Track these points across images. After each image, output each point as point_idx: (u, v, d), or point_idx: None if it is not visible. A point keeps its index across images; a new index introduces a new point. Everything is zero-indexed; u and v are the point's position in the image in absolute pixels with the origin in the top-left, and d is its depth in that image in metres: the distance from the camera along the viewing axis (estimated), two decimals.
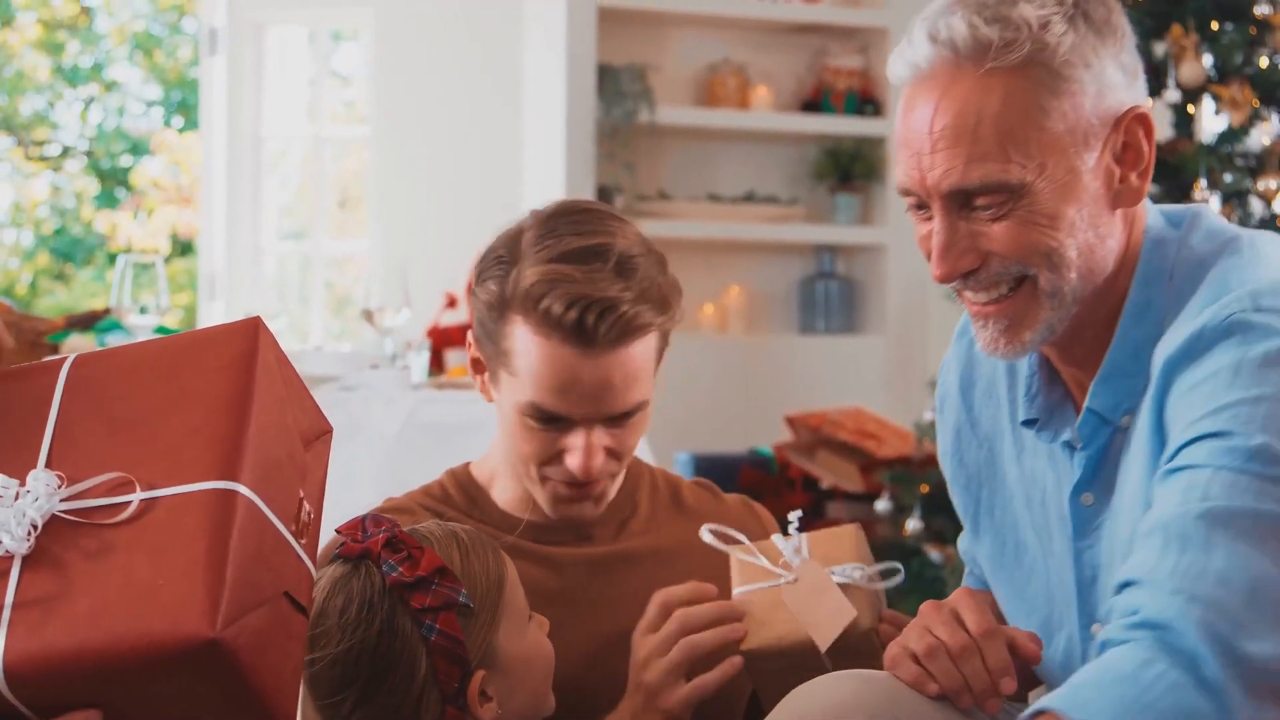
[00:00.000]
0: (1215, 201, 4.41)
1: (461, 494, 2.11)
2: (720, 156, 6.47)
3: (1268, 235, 1.71)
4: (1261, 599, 1.42)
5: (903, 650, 1.63)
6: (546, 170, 6.07)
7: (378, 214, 6.50)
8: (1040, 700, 1.43)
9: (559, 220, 1.98)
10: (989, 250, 1.64)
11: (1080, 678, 1.41)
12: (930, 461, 5.00)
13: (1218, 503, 1.47)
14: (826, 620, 1.77)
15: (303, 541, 1.45)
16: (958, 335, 1.94)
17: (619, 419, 1.97)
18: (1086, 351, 1.72)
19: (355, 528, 1.82)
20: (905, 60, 1.67)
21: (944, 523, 4.75)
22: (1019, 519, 1.85)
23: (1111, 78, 1.66)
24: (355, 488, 3.69)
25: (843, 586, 1.81)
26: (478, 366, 2.06)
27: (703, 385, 6.16)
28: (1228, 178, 4.47)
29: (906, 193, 1.69)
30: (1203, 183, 4.44)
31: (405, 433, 3.79)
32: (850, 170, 6.46)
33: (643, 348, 1.94)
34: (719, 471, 5.43)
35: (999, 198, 1.63)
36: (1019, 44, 1.62)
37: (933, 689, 1.61)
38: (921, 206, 1.69)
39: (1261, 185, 4.45)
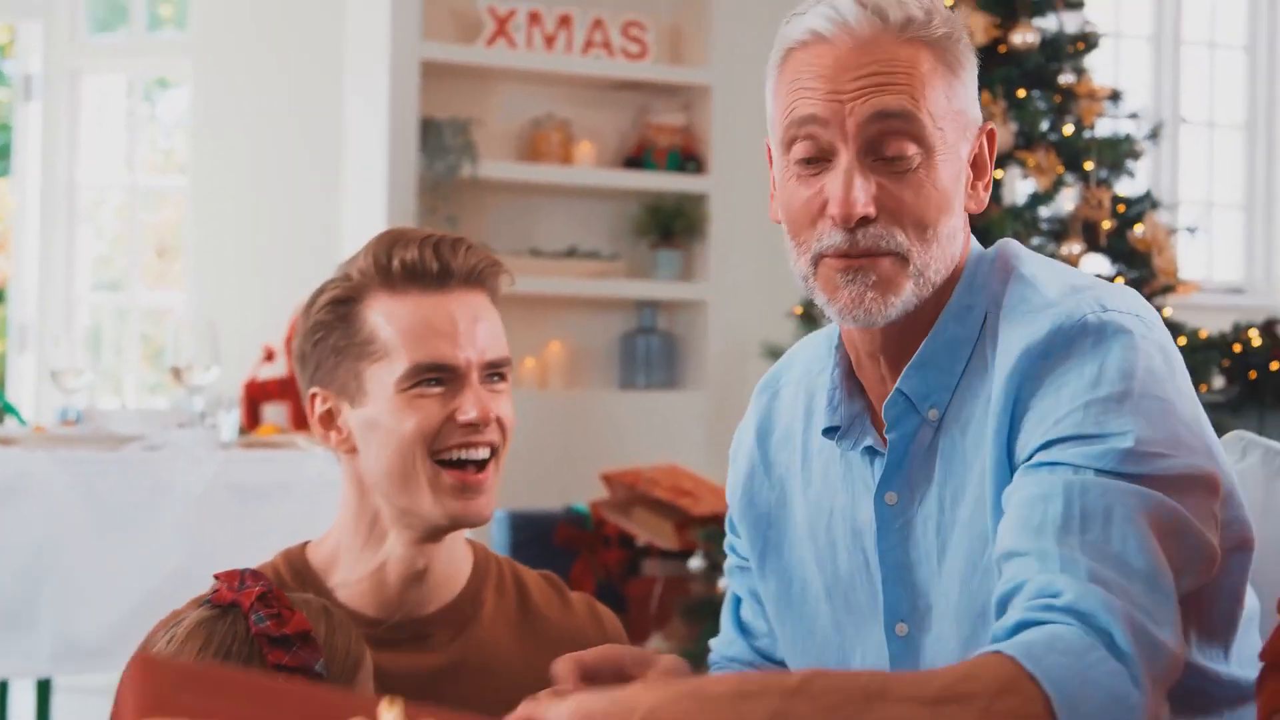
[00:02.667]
0: None
1: (296, 580, 2.03)
2: (543, 211, 6.48)
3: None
4: (1158, 589, 1.48)
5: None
6: (367, 224, 6.03)
7: (194, 266, 6.42)
8: (991, 645, 1.44)
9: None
10: (884, 206, 1.67)
11: (1028, 637, 1.42)
12: None
13: (1098, 496, 1.52)
14: None
15: None
16: (758, 393, 1.99)
17: (496, 372, 1.97)
18: (902, 345, 1.75)
19: (234, 578, 1.84)
20: (822, 17, 1.69)
21: None
22: (804, 556, 1.89)
23: (974, 91, 1.75)
24: (159, 550, 3.62)
25: None
26: (327, 419, 2.00)
27: (522, 441, 6.11)
28: (1034, 241, 4.57)
29: (810, 123, 1.68)
30: None
31: (211, 493, 3.73)
32: (672, 226, 6.50)
33: (491, 303, 1.99)
34: (535, 528, 5.42)
35: (909, 149, 1.67)
36: (937, 24, 1.70)
37: None
38: (814, 160, 1.70)
39: (1065, 249, 4.55)
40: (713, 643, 2.08)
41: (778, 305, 5.76)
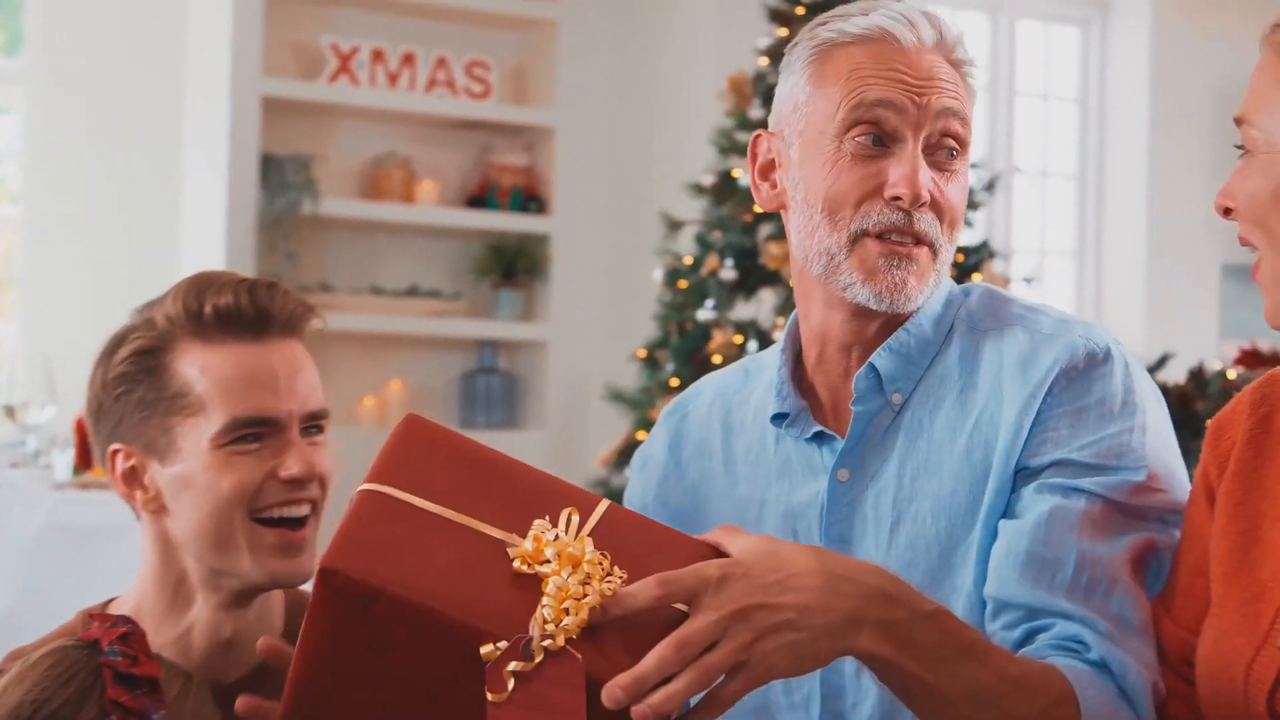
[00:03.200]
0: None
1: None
2: (384, 249, 6.45)
3: None
4: (1150, 637, 1.70)
5: None
6: (205, 260, 5.95)
7: (27, 298, 6.29)
8: (1047, 657, 1.64)
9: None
10: (935, 199, 1.81)
11: (1075, 668, 1.63)
12: None
13: (1108, 540, 1.71)
14: None
15: None
16: (666, 415, 2.07)
17: (315, 424, 1.89)
18: (878, 337, 1.86)
19: (109, 619, 1.78)
20: (888, 17, 1.82)
21: None
22: None
23: None
24: None
25: None
26: (131, 477, 1.90)
27: (360, 481, 6.08)
28: None
29: (875, 121, 1.79)
30: None
31: (45, 535, 3.65)
32: (514, 266, 6.50)
33: (305, 352, 1.91)
34: None
35: (959, 145, 1.83)
36: (968, 53, 1.87)
37: None
38: (877, 142, 1.80)
39: None
40: None
41: (619, 348, 5.79)
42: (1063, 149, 7.74)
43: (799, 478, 1.91)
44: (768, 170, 1.91)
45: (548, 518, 1.50)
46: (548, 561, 1.46)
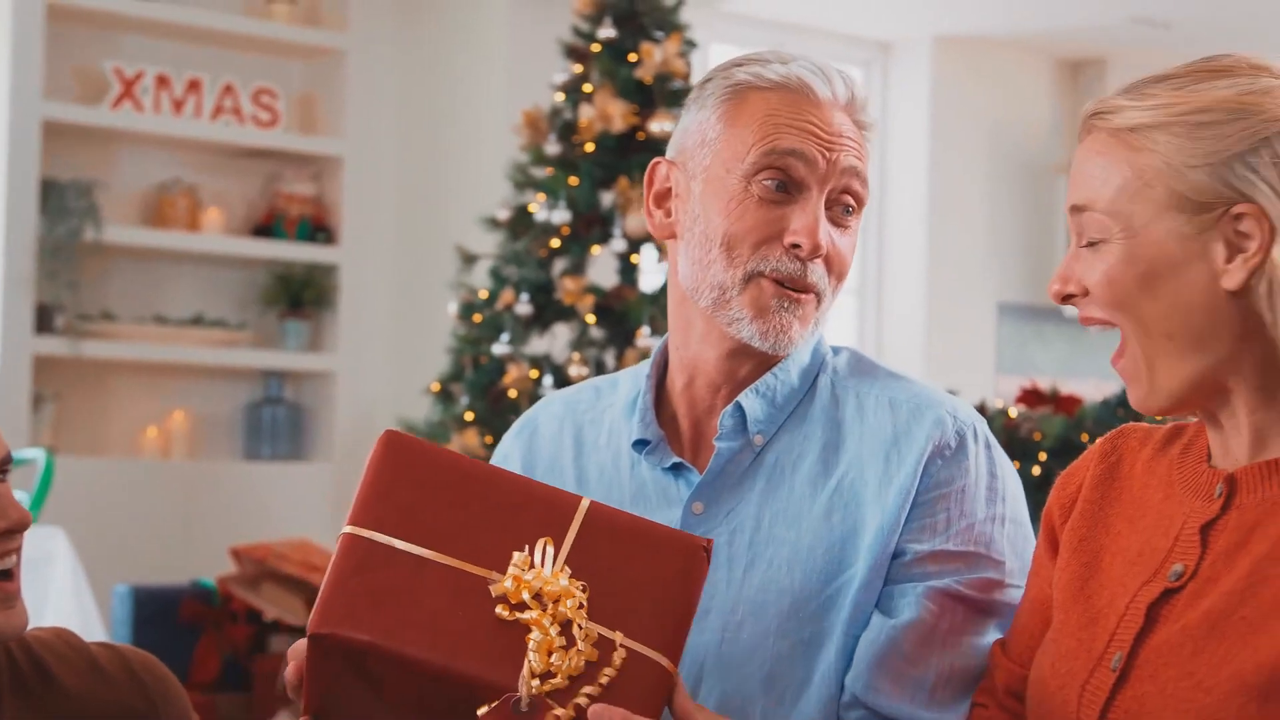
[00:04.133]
0: (656, 348, 4.59)
1: None
2: (168, 278, 6.35)
3: None
4: None
5: None
6: None
7: None
8: None
9: None
10: (830, 251, 1.85)
11: None
12: None
13: (969, 644, 1.80)
14: None
15: None
16: (516, 433, 2.07)
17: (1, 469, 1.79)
18: (748, 379, 1.90)
19: None
20: (807, 70, 1.87)
21: None
22: None
23: None
24: None
25: None
26: None
27: (143, 513, 5.98)
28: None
29: (784, 168, 1.83)
30: (645, 329, 4.64)
31: None
32: (301, 297, 6.44)
33: None
34: (158, 603, 5.27)
35: (857, 203, 1.87)
36: (872, 124, 1.92)
37: None
38: (780, 189, 1.84)
39: None
40: None
41: (409, 380, 5.76)
42: None
43: (653, 505, 1.93)
44: (663, 198, 1.93)
45: (527, 548, 1.53)
46: (527, 607, 1.50)
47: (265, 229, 6.43)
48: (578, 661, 1.48)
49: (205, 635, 5.27)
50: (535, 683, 1.46)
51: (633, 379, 2.01)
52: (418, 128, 6.64)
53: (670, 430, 1.95)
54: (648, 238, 4.77)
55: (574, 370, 4.66)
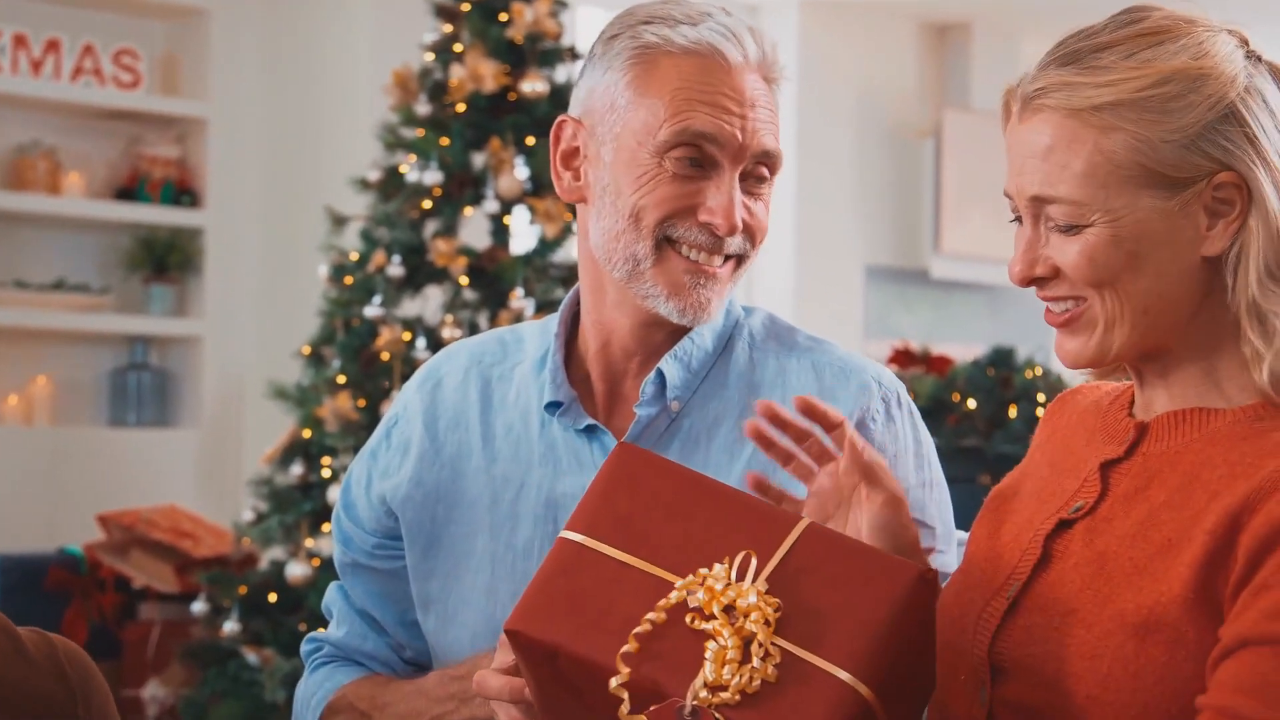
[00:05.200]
0: (530, 309, 4.59)
1: None
2: (29, 242, 6.23)
3: None
4: None
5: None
6: None
7: None
8: None
9: None
10: (747, 221, 1.84)
11: None
12: (249, 561, 4.95)
13: None
14: None
15: None
16: (419, 385, 2.03)
17: None
18: (662, 346, 1.91)
19: None
20: (713, 31, 1.83)
21: (262, 624, 4.71)
22: (477, 527, 1.95)
23: None
24: None
25: None
26: None
27: (6, 480, 5.88)
28: (541, 287, 4.67)
29: (696, 147, 1.82)
30: (519, 291, 4.62)
31: None
32: (166, 261, 6.35)
33: None
34: (24, 571, 5.19)
35: (769, 173, 1.86)
36: (781, 63, 1.90)
37: None
38: (694, 164, 1.82)
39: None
40: (328, 634, 2.08)
41: (279, 344, 5.70)
42: None
43: (564, 467, 1.92)
44: (570, 158, 1.91)
45: (727, 560, 1.51)
46: (713, 618, 1.48)
47: (128, 192, 6.33)
48: (751, 678, 1.45)
49: (73, 603, 5.20)
50: (705, 693, 1.45)
51: (539, 335, 2.00)
52: (284, 89, 6.56)
53: (582, 390, 1.94)
54: (520, 199, 4.76)
55: (447, 333, 4.64)
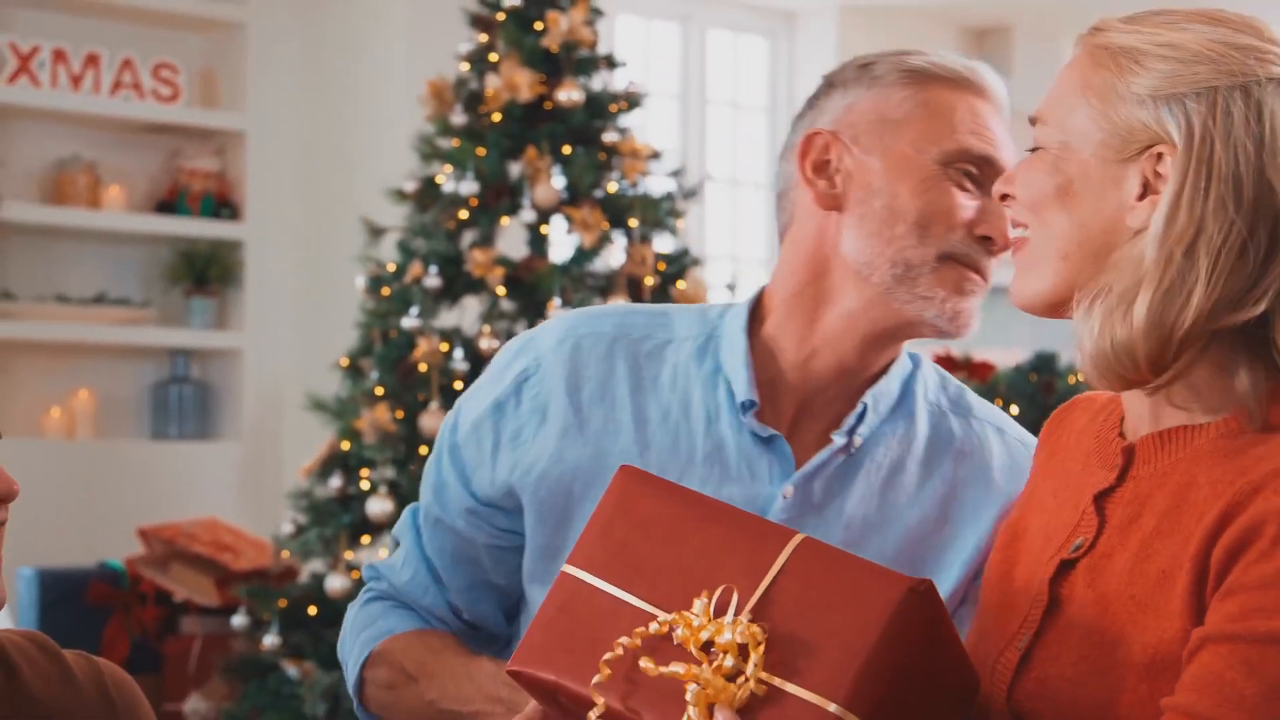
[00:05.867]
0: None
1: None
2: (70, 256, 6.24)
3: None
4: None
5: None
6: None
7: None
8: None
9: None
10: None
11: None
12: (288, 574, 4.94)
13: None
14: None
15: None
16: (557, 345, 1.94)
17: None
18: (877, 371, 1.93)
19: None
20: (986, 74, 1.91)
21: (302, 638, 4.70)
22: None
23: None
24: None
25: None
26: None
27: (48, 494, 5.88)
28: (579, 297, 4.65)
29: (978, 168, 1.87)
30: (556, 301, 4.60)
31: None
32: (206, 274, 6.36)
33: None
34: (66, 585, 5.20)
35: None
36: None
37: None
38: (978, 182, 1.87)
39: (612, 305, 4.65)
40: (391, 571, 2.03)
41: (317, 356, 5.70)
42: (753, 157, 7.88)
43: (732, 472, 1.88)
44: (820, 169, 1.91)
45: (706, 594, 1.49)
46: (691, 657, 1.47)
47: (168, 205, 6.34)
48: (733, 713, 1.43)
49: (114, 617, 5.20)
50: None
51: (697, 320, 1.96)
52: (321, 100, 6.57)
53: (762, 395, 1.90)
54: (557, 208, 4.74)
55: (485, 343, 4.62)
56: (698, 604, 1.48)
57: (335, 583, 4.59)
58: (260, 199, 6.43)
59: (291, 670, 4.67)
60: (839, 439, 1.87)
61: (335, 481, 4.74)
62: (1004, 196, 1.67)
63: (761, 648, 1.44)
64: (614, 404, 1.91)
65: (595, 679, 1.48)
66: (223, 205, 6.40)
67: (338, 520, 4.69)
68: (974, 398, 1.99)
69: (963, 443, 1.92)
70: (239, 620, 4.87)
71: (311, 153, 6.57)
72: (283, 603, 4.71)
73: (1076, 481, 1.65)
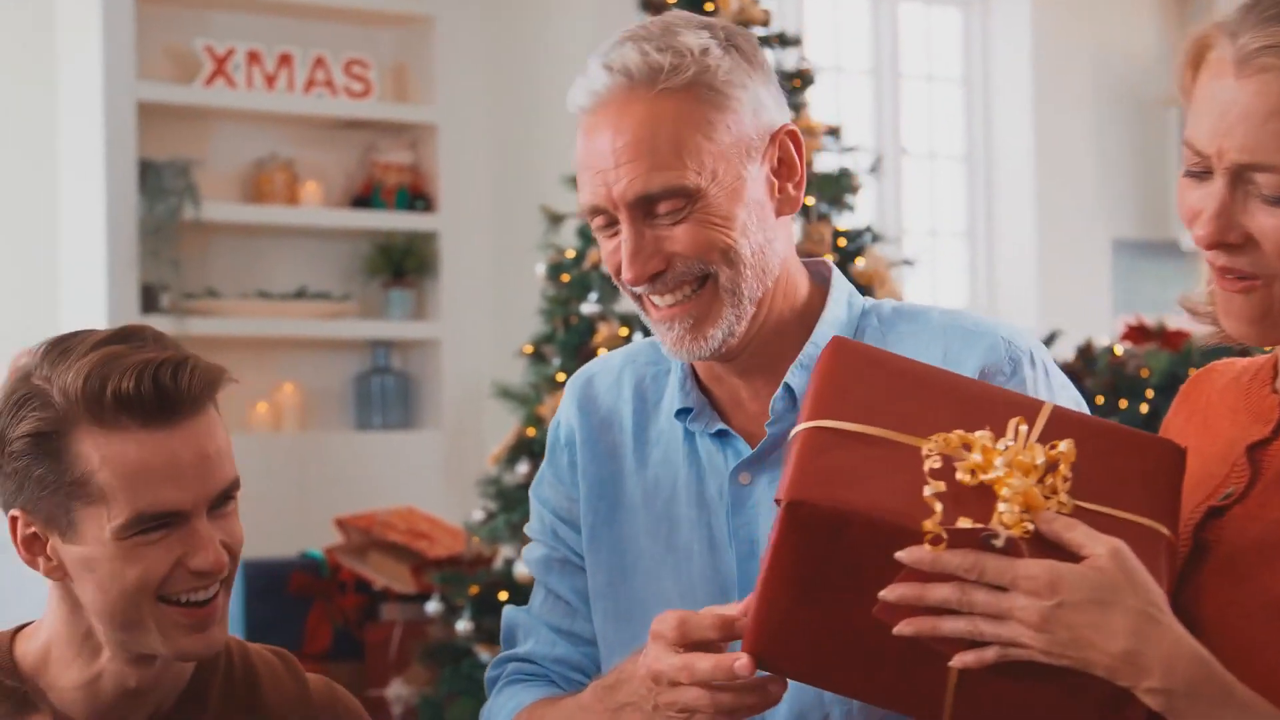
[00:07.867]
0: None
1: (7, 676, 1.86)
2: (270, 253, 6.38)
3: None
4: None
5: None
6: (87, 271, 5.87)
7: None
8: None
9: (62, 339, 1.81)
10: (672, 252, 1.80)
11: None
12: (481, 560, 5.00)
13: None
14: None
15: None
16: (572, 384, 2.04)
17: (224, 499, 1.80)
18: (776, 354, 1.87)
19: None
20: (583, 90, 1.81)
21: (494, 623, 4.74)
22: (635, 529, 1.96)
23: (763, 99, 1.84)
24: None
25: None
26: (33, 544, 1.80)
27: (255, 486, 5.96)
28: None
29: (595, 211, 1.82)
30: None
31: None
32: (403, 265, 6.45)
33: (217, 416, 1.83)
34: (269, 577, 5.32)
35: (678, 203, 1.79)
36: (685, 67, 1.79)
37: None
38: (609, 224, 1.82)
39: None
40: (513, 652, 2.05)
41: (509, 344, 5.75)
42: (949, 130, 7.77)
43: (705, 470, 1.93)
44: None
45: (988, 428, 1.49)
46: (996, 471, 1.46)
47: (364, 200, 6.45)
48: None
49: (315, 606, 5.31)
50: (1004, 530, 1.43)
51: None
52: (508, 90, 6.62)
53: (710, 397, 1.93)
54: None
55: None
56: (980, 434, 1.48)
57: (524, 568, 4.63)
58: (453, 190, 6.50)
59: (484, 655, 4.71)
60: (772, 429, 1.85)
61: (522, 468, 4.78)
62: (1227, 246, 1.51)
63: (1067, 467, 1.47)
64: (619, 429, 1.99)
65: (926, 490, 1.44)
66: (417, 198, 6.49)
67: (524, 507, 4.71)
68: (937, 311, 1.93)
69: (905, 353, 1.83)
70: (433, 607, 4.94)
71: (500, 142, 6.62)
72: (474, 589, 4.76)
73: (1224, 437, 1.61)
